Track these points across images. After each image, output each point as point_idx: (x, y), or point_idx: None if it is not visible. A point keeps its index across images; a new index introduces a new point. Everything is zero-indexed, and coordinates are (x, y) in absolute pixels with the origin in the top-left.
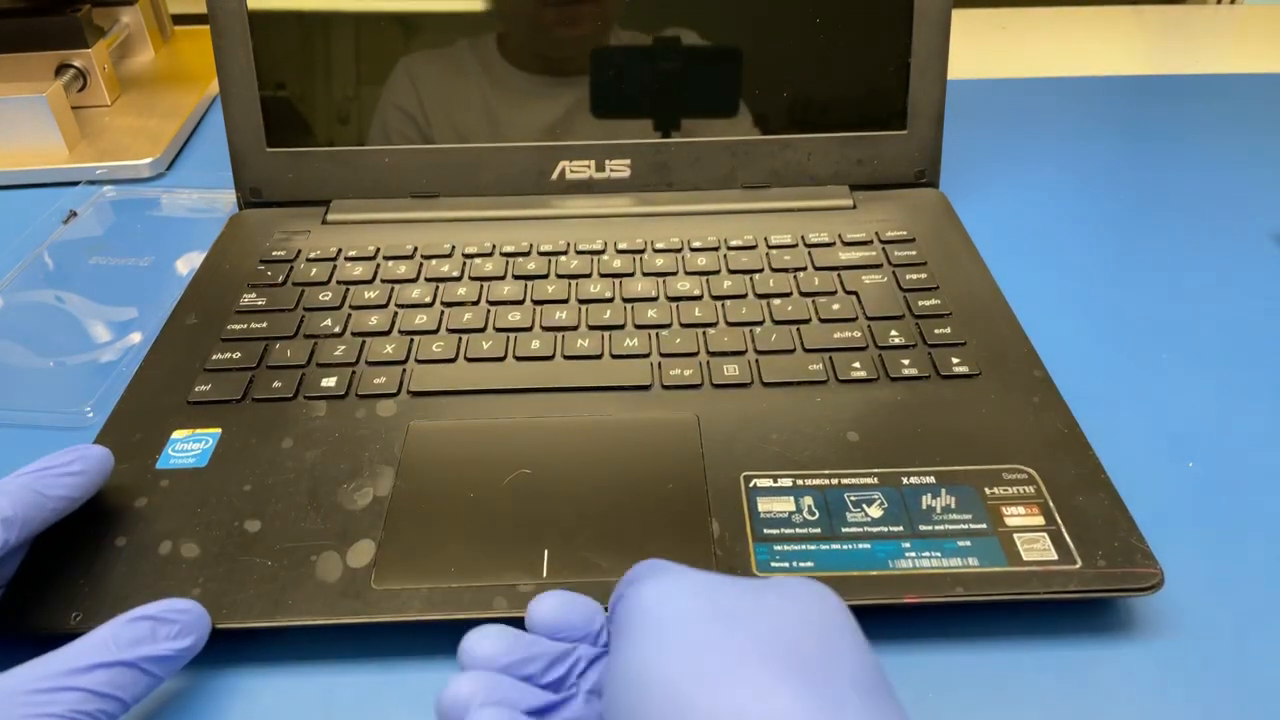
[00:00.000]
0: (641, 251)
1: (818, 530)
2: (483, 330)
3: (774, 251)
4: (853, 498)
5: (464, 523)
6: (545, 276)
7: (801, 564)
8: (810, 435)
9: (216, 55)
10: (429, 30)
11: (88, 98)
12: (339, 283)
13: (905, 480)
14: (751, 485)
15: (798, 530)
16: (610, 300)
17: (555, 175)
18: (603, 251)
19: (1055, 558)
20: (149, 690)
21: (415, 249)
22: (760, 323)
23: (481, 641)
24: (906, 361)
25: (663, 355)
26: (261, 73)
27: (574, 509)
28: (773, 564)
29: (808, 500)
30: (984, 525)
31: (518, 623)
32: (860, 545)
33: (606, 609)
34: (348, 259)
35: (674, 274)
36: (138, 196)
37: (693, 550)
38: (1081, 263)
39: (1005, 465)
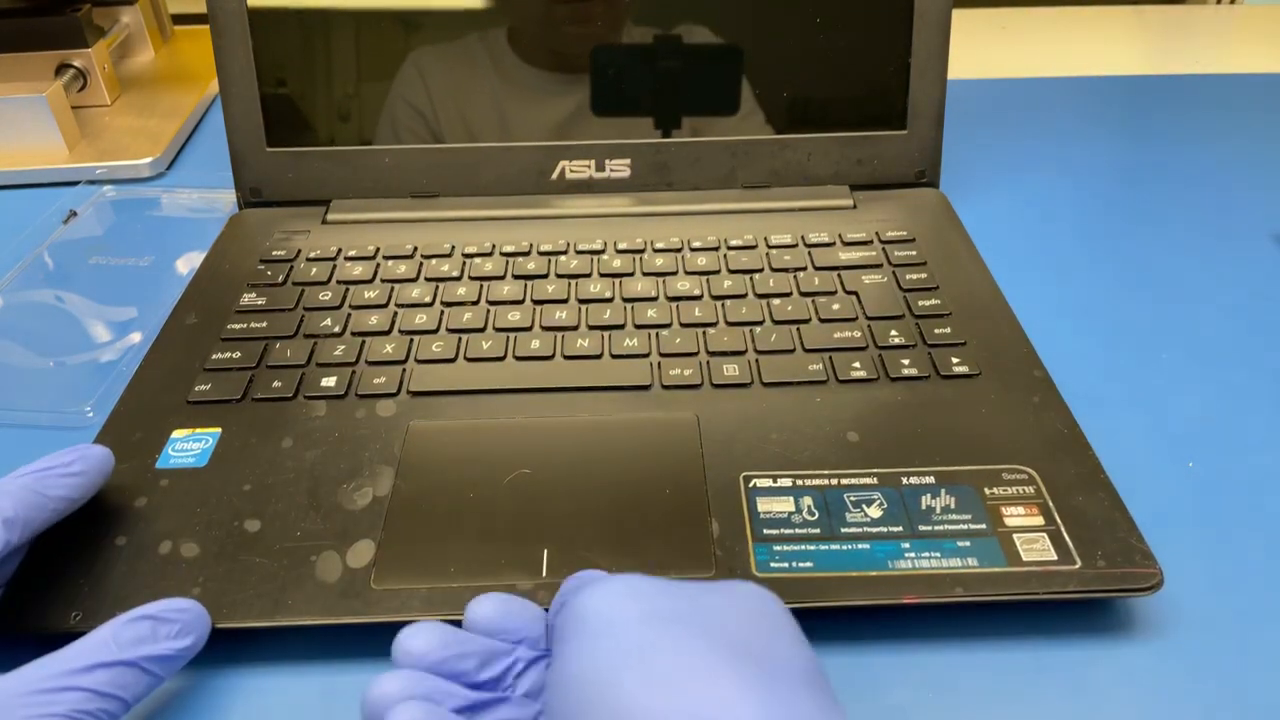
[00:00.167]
0: (641, 251)
1: (817, 530)
2: (483, 330)
3: (774, 251)
4: (852, 498)
5: (464, 522)
6: (545, 276)
7: (801, 564)
8: (810, 435)
9: (216, 55)
10: (430, 28)
11: (88, 98)
12: (339, 282)
13: (905, 480)
14: (751, 485)
15: (797, 530)
16: (610, 300)
17: (555, 175)
18: (603, 251)
19: (1055, 558)
20: (150, 689)
21: (415, 249)
22: (760, 323)
23: (413, 638)
24: (906, 361)
25: (663, 355)
26: (261, 72)
27: (574, 509)
28: (772, 564)
29: (807, 500)
30: (984, 525)
31: None
32: (860, 545)
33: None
34: (348, 259)
35: (674, 274)
36: (138, 196)
37: (693, 550)
38: (1081, 263)
39: (1005, 465)
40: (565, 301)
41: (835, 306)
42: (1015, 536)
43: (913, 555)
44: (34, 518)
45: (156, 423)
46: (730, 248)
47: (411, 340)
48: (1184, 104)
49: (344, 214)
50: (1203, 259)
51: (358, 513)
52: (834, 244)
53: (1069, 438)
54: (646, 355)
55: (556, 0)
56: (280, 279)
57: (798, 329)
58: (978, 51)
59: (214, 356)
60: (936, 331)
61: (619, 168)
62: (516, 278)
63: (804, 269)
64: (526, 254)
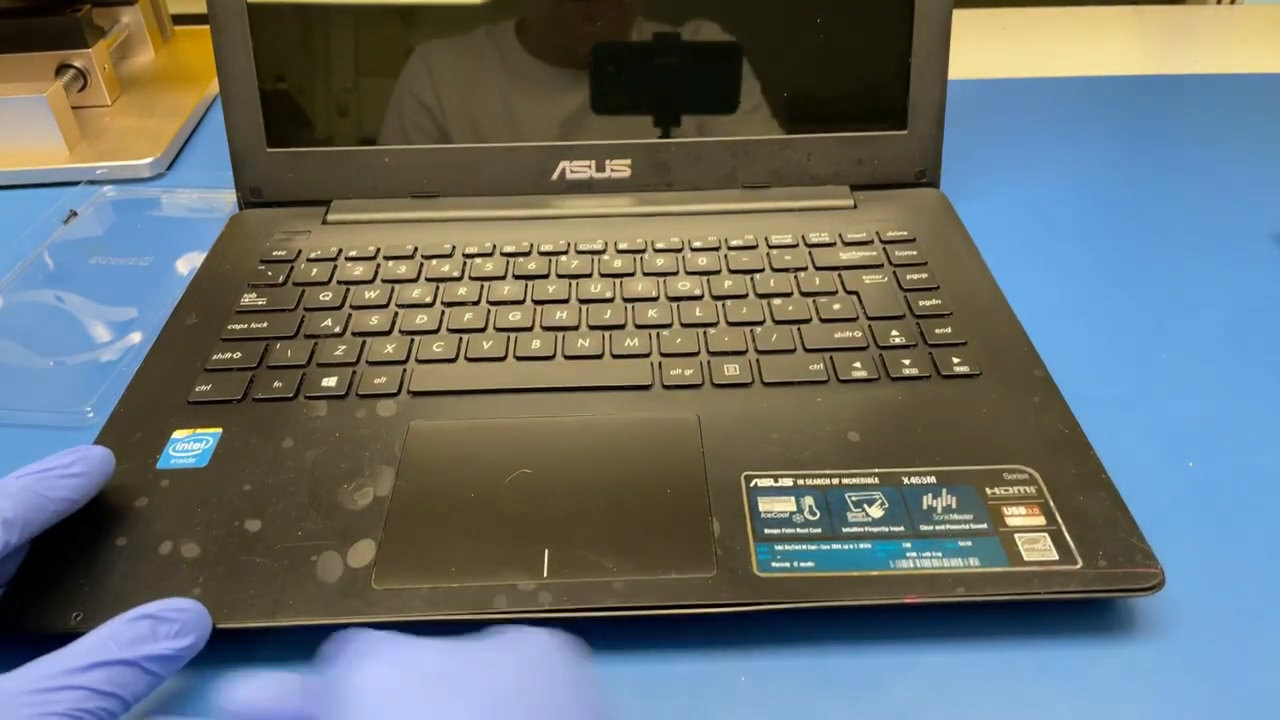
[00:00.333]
0: (642, 251)
1: (818, 530)
2: (483, 330)
3: (774, 251)
4: (853, 498)
5: (464, 522)
6: (546, 276)
7: (802, 564)
8: (811, 435)
9: (216, 55)
10: (430, 26)
11: (88, 98)
12: (339, 283)
13: (906, 480)
14: (752, 485)
15: (798, 530)
16: (611, 300)
17: (555, 175)
18: (603, 251)
19: (1056, 558)
20: (150, 689)
21: (415, 249)
22: (761, 322)
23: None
24: (907, 361)
25: (663, 355)
26: (261, 72)
27: (574, 509)
28: (773, 564)
29: (808, 500)
30: (985, 525)
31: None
32: (861, 545)
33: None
34: (348, 259)
35: (674, 274)
36: (138, 196)
37: (693, 550)
38: (1082, 263)
39: (1006, 465)
40: (566, 301)
41: (836, 306)
42: (1016, 536)
43: (914, 555)
44: (33, 519)
45: (157, 423)
46: (731, 248)
47: (412, 340)
48: (1184, 104)
49: (344, 214)
50: (1203, 259)
51: (358, 512)
52: (834, 244)
53: (1070, 438)
54: (647, 355)
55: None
56: (281, 279)
57: (798, 329)
58: (978, 51)
59: (214, 357)
60: (937, 331)
61: (619, 168)
62: (517, 278)
63: (804, 269)
64: (527, 254)
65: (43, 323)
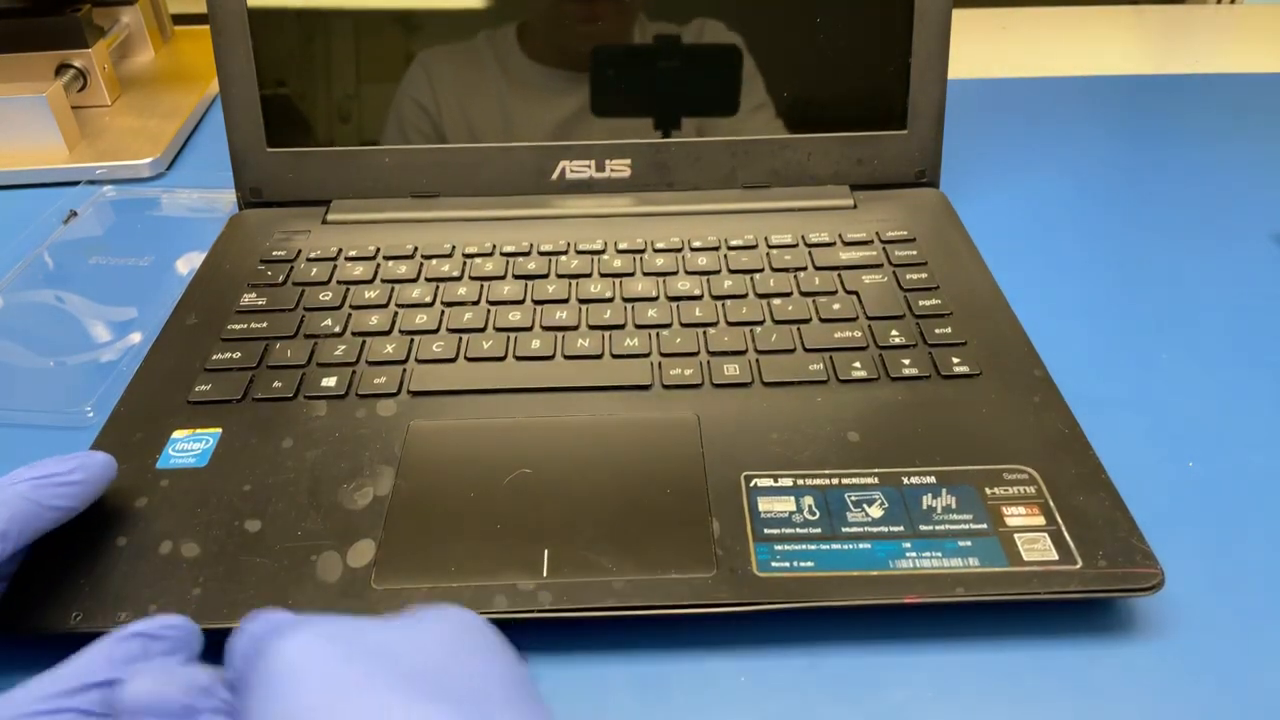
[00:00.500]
0: (642, 251)
1: (818, 530)
2: (483, 330)
3: (774, 251)
4: (853, 498)
5: (464, 522)
6: (545, 276)
7: (802, 564)
8: (811, 435)
9: (216, 55)
10: (430, 27)
11: (88, 98)
12: (339, 283)
13: (906, 480)
14: (752, 485)
15: (798, 530)
16: (610, 300)
17: (555, 175)
18: (603, 251)
19: (1056, 558)
20: None
21: (415, 249)
22: (760, 322)
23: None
24: (907, 361)
25: (663, 355)
26: (261, 72)
27: (574, 509)
28: (773, 564)
29: (808, 500)
30: (984, 525)
31: (520, 622)
32: (861, 545)
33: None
34: (348, 259)
35: (674, 274)
36: (138, 196)
37: (693, 550)
38: (1081, 262)
39: (1006, 465)
40: (566, 301)
41: (836, 306)
42: (1016, 536)
43: (914, 555)
44: (29, 527)
45: (157, 423)
46: (730, 248)
47: (412, 340)
48: (1184, 104)
49: (344, 214)
50: (1203, 259)
51: (358, 512)
52: (834, 244)
53: (1069, 438)
54: (647, 355)
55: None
56: (280, 279)
57: (798, 329)
58: (978, 51)
59: (214, 357)
60: (937, 331)
61: (619, 168)
62: (517, 278)
63: (804, 269)
64: (527, 254)
65: (43, 323)
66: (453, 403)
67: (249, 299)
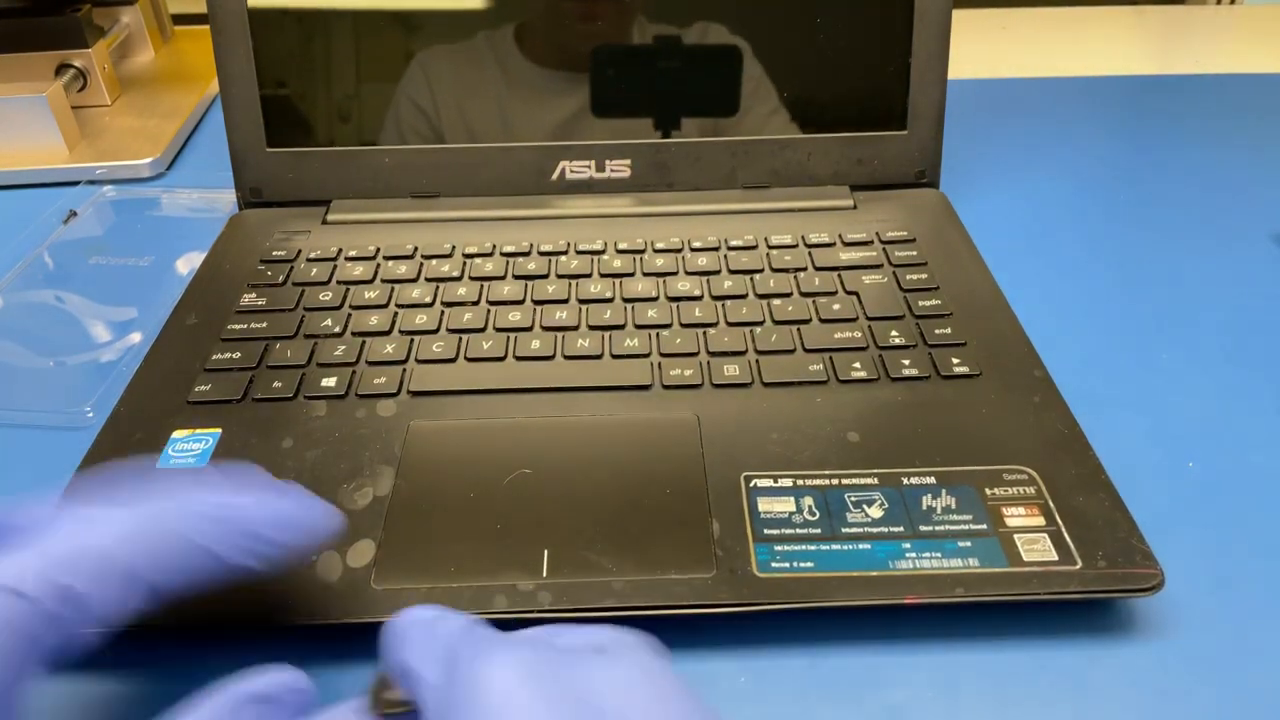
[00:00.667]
0: (642, 251)
1: (818, 530)
2: (483, 330)
3: (774, 252)
4: (853, 498)
5: (464, 522)
6: (545, 276)
7: (802, 564)
8: (810, 435)
9: (216, 55)
10: (431, 28)
11: (88, 98)
12: (339, 283)
13: (905, 480)
14: (752, 485)
15: (798, 530)
16: (610, 300)
17: (555, 175)
18: (603, 251)
19: (1056, 558)
20: None
21: (415, 249)
22: (760, 323)
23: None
24: (907, 362)
25: (663, 355)
26: (261, 73)
27: (574, 509)
28: (773, 564)
29: (808, 500)
30: (984, 526)
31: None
32: (861, 546)
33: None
34: (348, 259)
35: (674, 274)
36: (138, 196)
37: (693, 550)
38: (1082, 262)
39: (1005, 465)
40: (566, 302)
41: (836, 307)
42: (1016, 537)
43: (913, 555)
44: (176, 581)
45: (157, 423)
46: (730, 248)
47: (412, 340)
48: (1184, 104)
49: (344, 214)
50: (1203, 259)
51: (358, 512)
52: (834, 244)
53: (1069, 438)
54: (647, 355)
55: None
56: (280, 279)
57: (798, 329)
58: (978, 51)
59: (214, 357)
60: (937, 332)
61: (619, 168)
62: (517, 278)
63: (804, 269)
64: (527, 254)
65: (43, 323)
66: (453, 403)
67: (249, 299)
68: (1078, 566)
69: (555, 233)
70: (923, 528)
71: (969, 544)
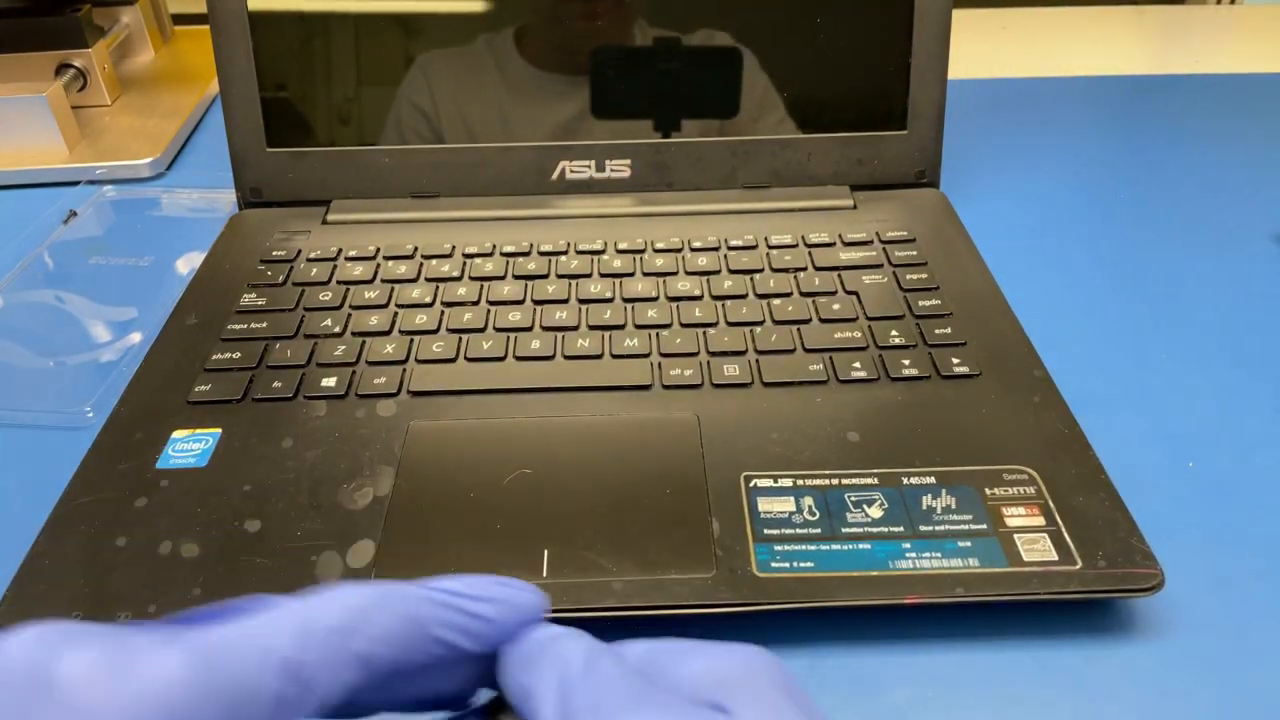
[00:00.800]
0: (642, 251)
1: (818, 530)
2: (483, 330)
3: (774, 251)
4: (853, 498)
5: (464, 522)
6: (545, 276)
7: (802, 564)
8: (810, 435)
9: (216, 55)
10: (430, 30)
11: (88, 98)
12: (339, 283)
13: (905, 480)
14: (752, 485)
15: (798, 530)
16: (610, 300)
17: (555, 175)
18: (603, 251)
19: (1055, 558)
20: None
21: (415, 249)
22: (760, 323)
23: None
24: (907, 361)
25: (663, 355)
26: (261, 73)
27: (574, 509)
28: (773, 564)
29: (808, 500)
30: (984, 526)
31: None
32: (861, 546)
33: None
34: (348, 259)
35: (674, 274)
36: (138, 196)
37: (693, 550)
38: (1082, 263)
39: (1005, 465)
40: (565, 302)
41: (836, 307)
42: (1016, 537)
43: (914, 555)
44: (393, 660)
45: (156, 423)
46: (730, 248)
47: (412, 340)
48: (1184, 104)
49: (344, 214)
50: (1203, 259)
51: (358, 513)
52: (834, 244)
53: (1069, 438)
54: (647, 355)
55: (561, 0)
56: (280, 279)
57: (798, 329)
58: (978, 51)
59: (214, 357)
60: (937, 332)
61: (619, 168)
62: (517, 278)
63: (804, 269)
64: (527, 254)
65: (43, 323)
66: (453, 403)
67: (249, 299)
68: (1078, 566)
69: (555, 233)
70: (923, 528)
71: (969, 544)
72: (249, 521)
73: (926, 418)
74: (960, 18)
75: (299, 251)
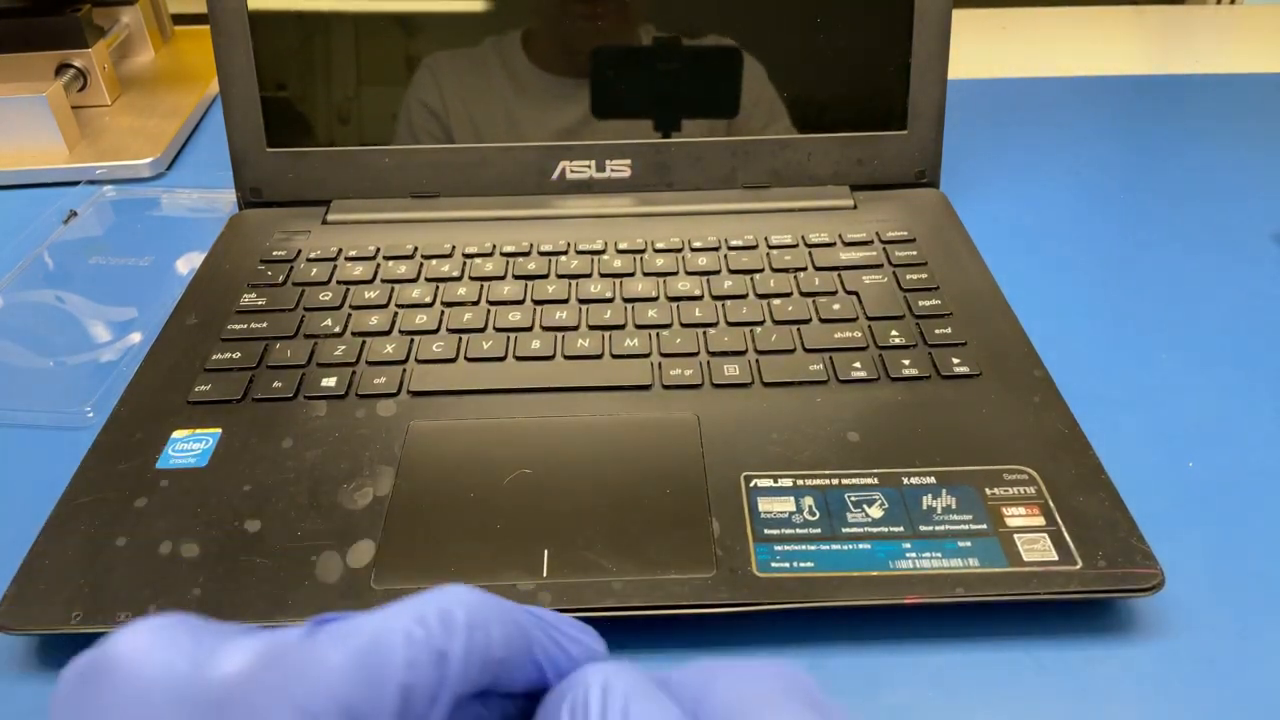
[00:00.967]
0: (642, 251)
1: (818, 530)
2: (483, 330)
3: (774, 251)
4: (853, 498)
5: (464, 522)
6: (545, 276)
7: (802, 564)
8: (810, 435)
9: (216, 55)
10: (432, 30)
11: (88, 98)
12: (339, 283)
13: (906, 480)
14: (752, 485)
15: (798, 530)
16: (610, 300)
17: (556, 175)
18: (603, 251)
19: (1056, 558)
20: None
21: (415, 249)
22: (761, 323)
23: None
24: (907, 361)
25: (663, 355)
26: (261, 73)
27: (574, 509)
28: (773, 564)
29: (808, 500)
30: (984, 526)
31: None
32: (861, 546)
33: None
34: (348, 259)
35: (674, 274)
36: (138, 196)
37: (693, 550)
38: (1082, 262)
39: (1006, 465)
40: (566, 302)
41: (836, 307)
42: (1016, 537)
43: (914, 555)
44: (502, 675)
45: (156, 423)
46: (731, 248)
47: (412, 340)
48: (1184, 104)
49: (344, 214)
50: (1203, 259)
51: (358, 513)
52: (834, 244)
53: (1069, 438)
54: (647, 355)
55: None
56: (280, 279)
57: (798, 329)
58: (978, 51)
59: (214, 357)
60: (937, 332)
61: (619, 168)
62: (517, 278)
63: (804, 269)
64: (527, 254)
65: (43, 323)
66: (453, 403)
67: (249, 299)
68: (1078, 566)
69: (555, 233)
70: (923, 528)
71: (969, 544)
72: (249, 521)
73: (926, 418)
74: (960, 18)
75: (299, 251)
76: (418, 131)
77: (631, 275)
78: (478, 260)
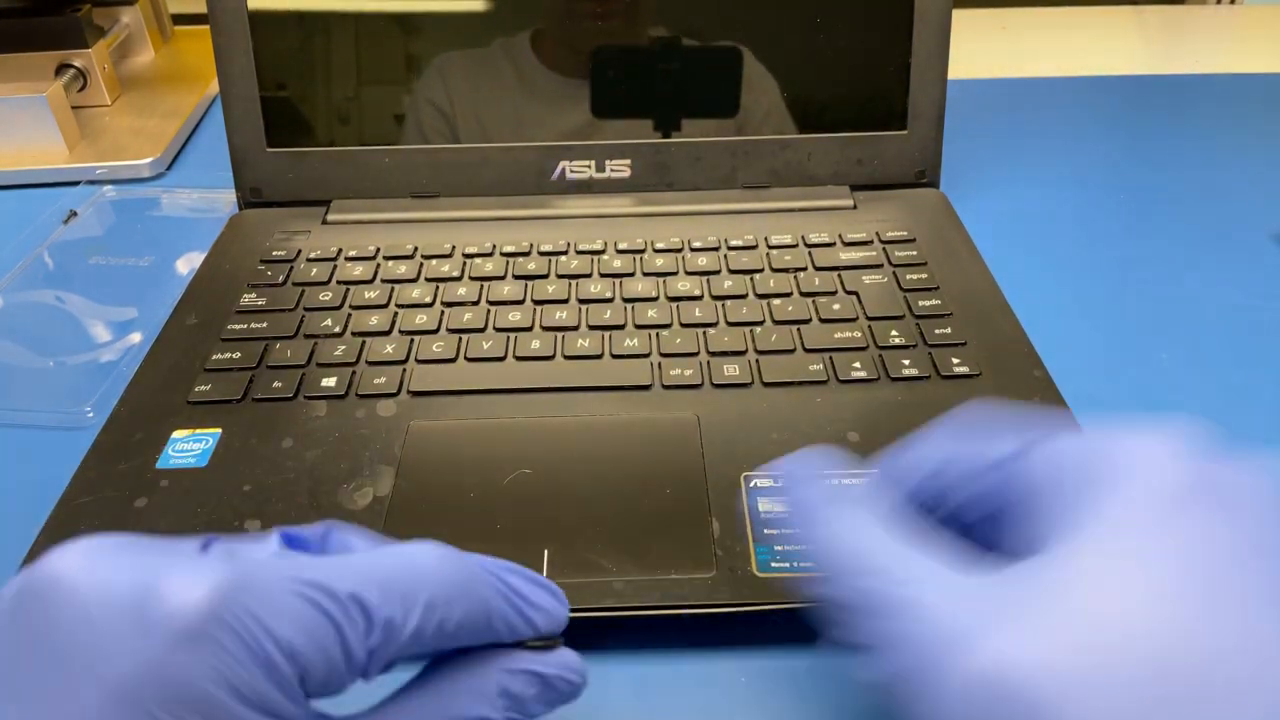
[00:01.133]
0: (642, 251)
1: None
2: (483, 330)
3: (774, 252)
4: None
5: (464, 522)
6: (545, 276)
7: (803, 564)
8: (811, 435)
9: (216, 55)
10: (433, 29)
11: (88, 98)
12: (339, 283)
13: None
14: (752, 485)
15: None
16: (610, 300)
17: (556, 175)
18: (603, 251)
19: None
20: None
21: (415, 249)
22: (760, 323)
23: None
24: (907, 361)
25: (663, 355)
26: (261, 73)
27: (574, 509)
28: (773, 564)
29: None
30: None
31: None
32: None
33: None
34: (348, 259)
35: (674, 274)
36: (138, 196)
37: (693, 550)
38: (1082, 262)
39: None
40: (565, 302)
41: (836, 307)
42: None
43: None
44: (471, 620)
45: (156, 423)
46: (730, 248)
47: (412, 340)
48: (1184, 104)
49: (344, 214)
50: (1203, 259)
51: (358, 513)
52: (834, 244)
53: None
54: (647, 355)
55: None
56: (280, 279)
57: (798, 329)
58: (978, 51)
59: (214, 357)
60: (937, 332)
61: (619, 168)
62: (517, 278)
63: (804, 269)
64: (527, 254)
65: (43, 323)
66: (453, 403)
67: (249, 299)
68: None
69: (555, 233)
70: None
71: None
72: (249, 521)
73: (927, 418)
74: (960, 18)
75: (299, 251)
76: (425, 130)
77: (631, 275)
78: (478, 260)
